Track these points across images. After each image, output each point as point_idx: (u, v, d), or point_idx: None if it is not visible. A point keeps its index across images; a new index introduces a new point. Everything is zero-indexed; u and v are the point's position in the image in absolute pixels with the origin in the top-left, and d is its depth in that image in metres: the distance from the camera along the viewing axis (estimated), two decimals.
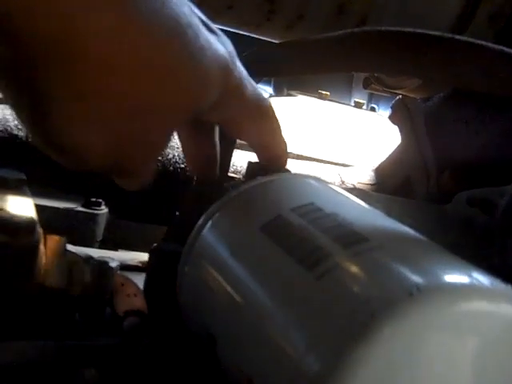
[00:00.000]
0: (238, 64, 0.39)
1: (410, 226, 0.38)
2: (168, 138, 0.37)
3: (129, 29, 0.31)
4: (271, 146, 0.45)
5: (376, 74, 0.78)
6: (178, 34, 0.32)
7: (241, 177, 0.75)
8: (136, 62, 0.32)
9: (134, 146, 0.35)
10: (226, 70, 0.36)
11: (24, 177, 0.53)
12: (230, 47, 0.38)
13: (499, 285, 0.31)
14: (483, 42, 0.38)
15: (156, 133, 0.35)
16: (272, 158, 0.45)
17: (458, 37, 0.39)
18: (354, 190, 0.62)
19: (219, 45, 0.36)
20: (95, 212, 0.83)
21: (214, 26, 0.37)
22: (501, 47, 0.42)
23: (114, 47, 0.31)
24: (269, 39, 0.77)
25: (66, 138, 0.33)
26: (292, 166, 0.55)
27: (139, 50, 0.32)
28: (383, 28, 0.45)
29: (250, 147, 0.45)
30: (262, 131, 0.44)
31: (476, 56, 0.41)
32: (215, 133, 0.46)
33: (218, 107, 0.38)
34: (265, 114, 0.43)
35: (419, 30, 0.44)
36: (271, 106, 0.43)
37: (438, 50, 0.39)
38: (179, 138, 0.46)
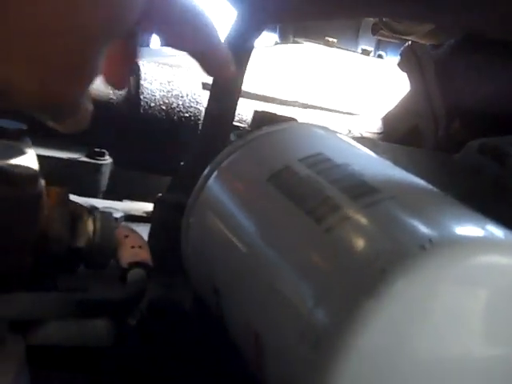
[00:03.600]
0: None
1: (419, 176, 0.37)
2: (94, 63, 0.35)
3: None
4: (211, 52, 0.41)
5: (385, 20, 0.75)
6: None
7: (246, 126, 0.74)
8: None
9: (58, 74, 0.33)
10: None
11: (25, 127, 0.52)
12: None
13: None
14: None
15: (78, 55, 0.33)
16: (217, 68, 0.42)
17: None
18: (361, 139, 0.61)
19: None
20: (99, 162, 0.82)
21: None
22: None
23: None
24: None
25: None
26: (298, 114, 0.54)
27: None
28: None
29: (192, 58, 0.42)
30: (198, 37, 0.41)
31: (490, 1, 0.39)
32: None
33: (145, 17, 0.36)
34: (198, 16, 0.40)
35: None
36: (202, 9, 0.41)
37: None
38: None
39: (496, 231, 0.30)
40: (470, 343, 0.29)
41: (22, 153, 0.47)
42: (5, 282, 0.43)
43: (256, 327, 0.33)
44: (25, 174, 0.44)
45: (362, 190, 0.32)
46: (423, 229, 0.29)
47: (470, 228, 0.30)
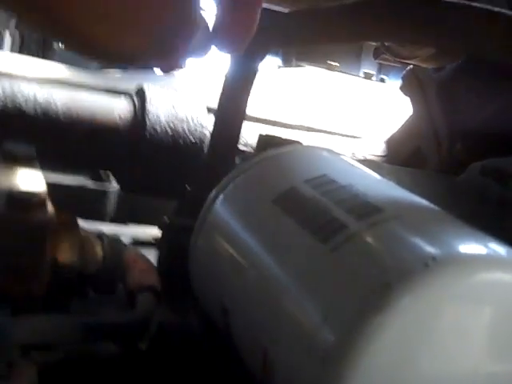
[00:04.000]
0: None
1: (422, 197, 0.37)
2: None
3: None
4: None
5: (387, 44, 0.77)
6: None
7: (251, 149, 0.74)
8: None
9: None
10: None
11: (34, 152, 0.52)
12: None
13: None
14: (499, 10, 0.37)
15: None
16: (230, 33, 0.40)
17: (473, 4, 0.38)
18: (364, 162, 0.61)
19: None
20: (106, 190, 0.83)
21: None
22: None
23: None
24: (278, 8, 0.75)
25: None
26: (302, 138, 0.54)
27: None
28: None
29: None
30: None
31: (491, 24, 0.40)
32: None
33: None
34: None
35: None
36: None
37: (453, 18, 0.39)
38: None
39: (498, 249, 0.31)
40: (474, 359, 0.29)
41: (31, 177, 0.48)
42: (16, 306, 0.43)
43: (264, 344, 0.33)
44: (34, 199, 0.45)
45: (366, 210, 0.33)
46: (427, 247, 0.30)
47: (472, 246, 0.31)
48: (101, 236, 0.51)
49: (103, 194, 0.82)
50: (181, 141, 0.77)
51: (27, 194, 0.45)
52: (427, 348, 0.28)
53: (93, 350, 0.46)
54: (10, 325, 0.41)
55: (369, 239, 0.31)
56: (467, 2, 0.38)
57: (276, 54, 1.65)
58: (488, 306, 0.29)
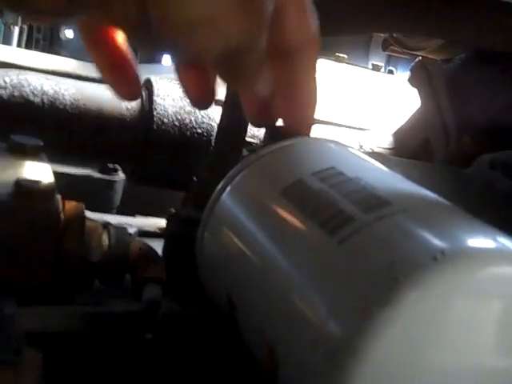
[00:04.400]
0: None
1: (430, 190, 0.37)
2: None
3: None
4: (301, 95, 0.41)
5: (395, 35, 0.76)
6: None
7: (258, 141, 0.74)
8: None
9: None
10: None
11: (41, 143, 0.52)
12: None
13: None
14: (509, 1, 0.37)
15: None
16: (298, 118, 0.43)
17: None
18: (372, 154, 0.61)
19: None
20: (113, 179, 0.83)
21: None
22: None
23: None
24: None
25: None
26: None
27: None
28: None
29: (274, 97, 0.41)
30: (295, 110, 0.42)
31: (501, 15, 0.40)
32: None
33: None
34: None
35: None
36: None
37: (463, 8, 0.38)
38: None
39: (508, 243, 0.31)
40: (483, 354, 0.29)
41: (38, 168, 0.48)
42: (22, 295, 0.44)
43: (270, 338, 0.33)
44: (41, 189, 0.45)
45: (374, 202, 0.33)
46: (435, 240, 0.29)
47: (481, 239, 0.31)
48: (107, 225, 0.51)
49: (109, 183, 0.82)
50: (188, 133, 0.76)
51: (34, 183, 0.45)
52: (435, 342, 0.28)
53: (98, 339, 0.46)
54: (17, 314, 0.41)
55: (376, 232, 0.31)
56: None
57: None
58: (497, 299, 0.29)
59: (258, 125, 0.45)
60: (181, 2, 0.31)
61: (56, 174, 0.49)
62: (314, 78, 0.42)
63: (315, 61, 0.41)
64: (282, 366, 0.32)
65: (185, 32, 0.32)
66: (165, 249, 0.55)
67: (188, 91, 0.44)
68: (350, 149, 0.43)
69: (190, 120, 0.77)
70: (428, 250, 0.29)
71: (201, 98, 0.43)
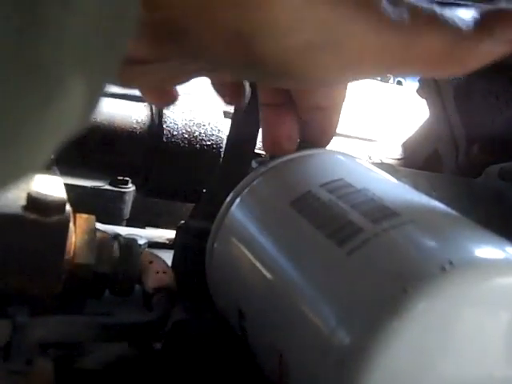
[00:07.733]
0: None
1: (439, 201, 0.37)
2: None
3: None
4: (327, 114, 0.41)
5: None
6: None
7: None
8: None
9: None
10: None
11: (52, 156, 0.53)
12: None
13: None
14: None
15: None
16: (320, 133, 0.42)
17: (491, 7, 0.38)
18: (381, 165, 0.61)
19: None
20: (122, 190, 0.83)
21: None
22: None
23: None
24: None
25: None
26: None
27: None
28: None
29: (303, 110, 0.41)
30: (315, 133, 0.42)
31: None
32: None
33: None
34: (328, 118, 0.41)
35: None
36: (339, 107, 0.41)
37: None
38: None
39: None
40: (491, 364, 0.29)
41: (50, 181, 0.49)
42: (34, 305, 0.44)
43: (280, 348, 0.33)
44: (53, 201, 0.45)
45: (382, 213, 0.33)
46: (443, 251, 0.29)
47: (489, 250, 0.31)
48: (117, 237, 0.51)
49: (120, 195, 0.82)
50: (197, 145, 0.77)
51: (46, 195, 0.45)
52: (443, 352, 0.28)
53: (108, 349, 0.47)
54: (29, 323, 0.42)
55: (385, 243, 0.31)
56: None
57: None
58: (505, 310, 0.29)
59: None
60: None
61: (67, 186, 0.49)
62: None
63: None
64: (292, 376, 0.32)
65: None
66: (174, 260, 0.55)
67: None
68: (358, 160, 0.43)
69: (200, 132, 0.77)
70: (436, 261, 0.29)
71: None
